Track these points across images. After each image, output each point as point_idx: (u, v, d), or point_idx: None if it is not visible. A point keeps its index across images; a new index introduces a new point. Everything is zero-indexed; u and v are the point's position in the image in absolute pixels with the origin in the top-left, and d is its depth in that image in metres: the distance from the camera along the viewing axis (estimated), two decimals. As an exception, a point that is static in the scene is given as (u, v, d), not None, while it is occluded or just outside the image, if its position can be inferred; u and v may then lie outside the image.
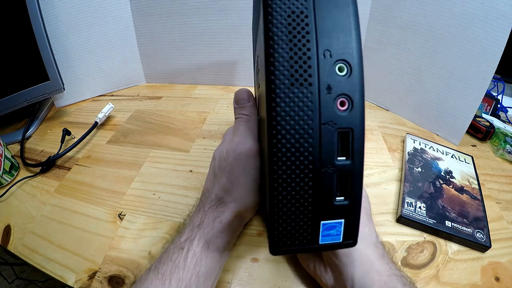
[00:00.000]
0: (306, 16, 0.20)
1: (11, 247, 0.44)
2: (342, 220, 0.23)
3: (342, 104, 0.20)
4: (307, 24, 0.20)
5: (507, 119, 0.70)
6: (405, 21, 0.58)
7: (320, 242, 0.23)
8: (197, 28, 0.71)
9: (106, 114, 0.65)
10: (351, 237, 0.23)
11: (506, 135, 0.61)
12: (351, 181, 0.22)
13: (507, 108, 0.72)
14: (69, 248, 0.43)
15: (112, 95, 0.78)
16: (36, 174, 0.55)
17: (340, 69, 0.20)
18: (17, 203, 0.50)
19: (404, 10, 0.58)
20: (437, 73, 0.58)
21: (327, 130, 0.20)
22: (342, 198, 0.22)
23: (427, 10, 0.55)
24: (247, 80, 0.77)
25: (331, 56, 0.20)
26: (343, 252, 0.30)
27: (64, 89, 0.66)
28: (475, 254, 0.42)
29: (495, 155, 0.60)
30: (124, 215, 0.46)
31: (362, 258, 0.29)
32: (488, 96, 0.69)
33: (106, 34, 0.71)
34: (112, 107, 0.66)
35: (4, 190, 0.52)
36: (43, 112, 0.71)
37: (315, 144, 0.20)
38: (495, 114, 0.69)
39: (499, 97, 0.71)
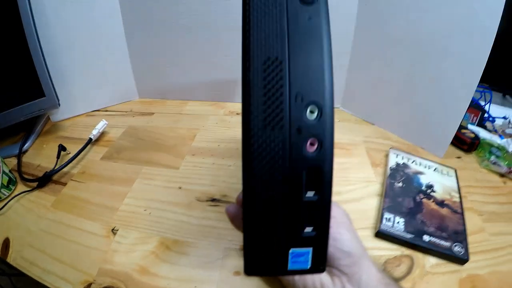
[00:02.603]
0: (281, 62, 0.24)
1: (10, 260, 0.49)
2: (310, 249, 0.27)
3: (312, 144, 0.24)
4: (281, 70, 0.24)
5: (494, 128, 0.74)
6: (391, 36, 0.64)
7: (289, 268, 0.27)
8: (188, 46, 0.77)
9: (100, 131, 0.71)
10: (319, 264, 0.27)
11: (491, 145, 0.66)
12: (318, 214, 0.26)
13: (495, 118, 0.76)
14: (66, 261, 0.48)
15: (106, 110, 0.84)
16: (33, 189, 0.61)
17: (311, 111, 0.24)
18: (15, 217, 0.56)
19: (389, 25, 0.63)
20: (421, 87, 0.64)
21: (296, 169, 0.24)
22: (311, 229, 0.26)
23: (412, 25, 0.60)
24: (236, 97, 0.83)
25: (302, 99, 0.24)
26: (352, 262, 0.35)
27: (59, 105, 0.72)
28: (453, 267, 0.47)
29: (480, 166, 0.65)
30: (117, 230, 0.52)
31: (363, 262, 0.36)
32: (475, 107, 0.75)
33: (99, 51, 0.77)
34: (105, 123, 0.72)
35: (2, 204, 0.57)
36: (39, 126, 0.78)
37: (285, 181, 0.24)
38: (481, 124, 0.74)
39: (487, 106, 0.76)
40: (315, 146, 0.24)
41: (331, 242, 0.30)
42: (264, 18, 0.24)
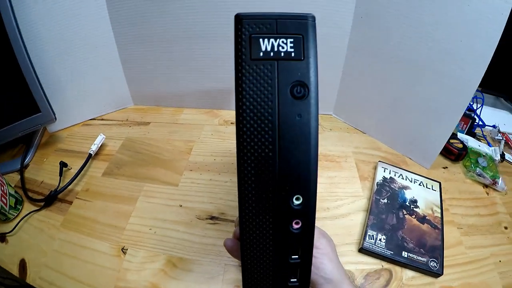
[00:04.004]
0: (271, 158, 0.30)
1: (29, 280, 0.59)
2: None
3: (296, 223, 0.33)
4: (271, 165, 0.30)
5: (483, 135, 0.83)
6: (384, 52, 0.71)
7: None
8: (180, 55, 0.84)
9: (99, 145, 0.79)
10: None
11: (479, 155, 0.75)
12: (301, 271, 0.35)
13: (485, 125, 0.85)
14: (83, 280, 0.58)
15: (102, 119, 0.92)
16: (40, 208, 0.70)
17: (297, 199, 0.32)
18: (27, 238, 0.65)
19: (384, 41, 0.70)
20: (412, 103, 0.71)
21: (283, 242, 0.33)
22: (295, 280, 0.36)
23: (406, 44, 0.67)
24: (229, 104, 0.93)
25: (289, 191, 0.31)
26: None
27: (55, 119, 0.79)
28: (428, 279, 0.58)
29: (465, 177, 0.74)
30: (127, 250, 0.62)
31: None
32: (465, 115, 0.82)
33: (91, 61, 0.83)
34: (103, 137, 0.80)
35: (13, 225, 0.66)
36: (37, 139, 0.85)
37: (274, 249, 0.33)
38: (471, 132, 0.82)
39: (478, 110, 0.84)
40: (299, 225, 0.33)
41: (315, 270, 0.40)
42: (257, 115, 0.30)
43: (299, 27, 0.29)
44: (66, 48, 0.80)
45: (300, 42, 0.29)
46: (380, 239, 0.60)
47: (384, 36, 0.69)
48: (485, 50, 0.57)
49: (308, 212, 0.32)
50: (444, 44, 0.62)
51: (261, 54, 0.28)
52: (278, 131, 0.30)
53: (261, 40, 0.28)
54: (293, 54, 0.29)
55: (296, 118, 0.29)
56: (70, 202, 0.71)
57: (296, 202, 0.32)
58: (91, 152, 0.78)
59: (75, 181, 0.74)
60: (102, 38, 0.82)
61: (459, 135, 0.80)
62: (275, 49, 0.28)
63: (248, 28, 0.28)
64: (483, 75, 0.60)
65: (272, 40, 0.28)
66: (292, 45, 0.28)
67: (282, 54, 0.28)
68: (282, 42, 0.28)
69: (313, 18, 0.29)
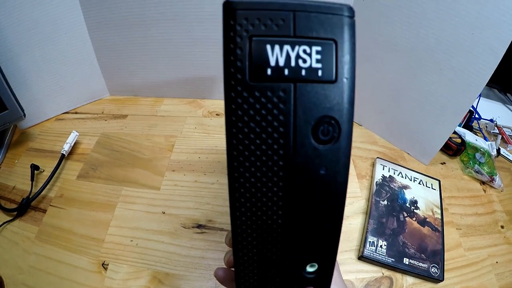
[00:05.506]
0: (282, 225, 0.22)
1: None
2: None
3: None
4: (281, 234, 0.22)
5: (479, 128, 0.77)
6: (386, 39, 0.63)
7: None
8: (159, 40, 0.74)
9: (71, 144, 0.71)
10: None
11: (476, 150, 0.70)
12: None
13: (481, 118, 0.80)
14: (63, 300, 0.52)
15: (76, 112, 0.83)
16: (13, 218, 0.63)
17: (311, 266, 0.24)
18: (2, 252, 0.58)
19: (386, 27, 0.62)
20: (414, 96, 0.65)
21: None
22: None
23: (411, 32, 0.59)
24: (213, 93, 0.83)
25: (300, 261, 0.24)
26: None
27: (25, 116, 0.70)
28: (429, 285, 0.55)
29: (463, 173, 0.69)
30: (107, 265, 0.56)
31: None
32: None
33: (61, 50, 0.73)
34: (76, 135, 0.72)
35: (-15, 237, 0.59)
36: (8, 137, 0.76)
37: None
38: (468, 125, 0.76)
39: (474, 103, 0.78)
40: None
41: None
42: (260, 169, 0.20)
43: (331, 26, 0.18)
44: (33, 37, 0.69)
45: (332, 52, 0.18)
46: (381, 246, 0.56)
47: (386, 22, 0.61)
48: (498, 45, 0.51)
49: (324, 279, 0.26)
50: (453, 36, 0.54)
51: (269, 72, 0.18)
52: (291, 190, 0.21)
53: (268, 47, 0.17)
54: (320, 73, 0.18)
55: (320, 173, 0.20)
56: (44, 211, 0.64)
57: (310, 270, 0.25)
58: (64, 152, 0.70)
59: (48, 186, 0.66)
60: (72, 24, 0.72)
61: (457, 129, 0.74)
62: (293, 63, 0.18)
63: (245, 25, 0.17)
64: (493, 71, 0.53)
65: (287, 47, 0.17)
66: (319, 57, 0.18)
67: (304, 72, 0.18)
68: (304, 51, 0.18)
69: (351, 11, 0.18)
